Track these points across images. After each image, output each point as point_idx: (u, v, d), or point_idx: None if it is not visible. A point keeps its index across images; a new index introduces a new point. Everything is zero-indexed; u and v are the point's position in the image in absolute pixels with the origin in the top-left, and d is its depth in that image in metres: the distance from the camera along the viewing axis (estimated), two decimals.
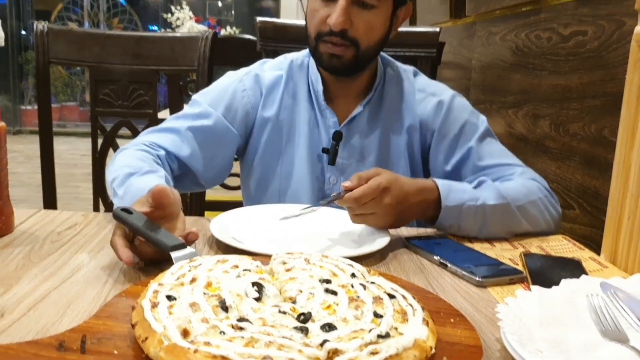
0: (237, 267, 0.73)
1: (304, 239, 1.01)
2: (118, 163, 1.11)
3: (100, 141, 1.71)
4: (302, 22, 1.42)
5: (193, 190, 1.59)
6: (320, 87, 1.25)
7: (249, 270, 0.72)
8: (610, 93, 1.43)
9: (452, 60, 2.77)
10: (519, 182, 1.16)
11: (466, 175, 1.23)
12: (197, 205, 1.74)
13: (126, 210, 0.85)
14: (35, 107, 7.60)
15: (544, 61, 1.81)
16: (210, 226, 0.98)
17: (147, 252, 0.84)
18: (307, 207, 1.16)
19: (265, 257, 0.81)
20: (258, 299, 0.65)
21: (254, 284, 0.67)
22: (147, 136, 1.22)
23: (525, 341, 0.62)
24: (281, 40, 1.63)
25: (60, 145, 1.59)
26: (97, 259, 0.87)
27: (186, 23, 6.11)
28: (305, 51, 1.31)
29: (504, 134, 2.09)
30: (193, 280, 0.68)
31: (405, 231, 1.11)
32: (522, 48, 1.99)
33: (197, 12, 7.39)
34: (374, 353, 0.54)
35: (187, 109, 1.27)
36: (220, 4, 9.05)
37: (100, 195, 1.73)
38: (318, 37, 1.18)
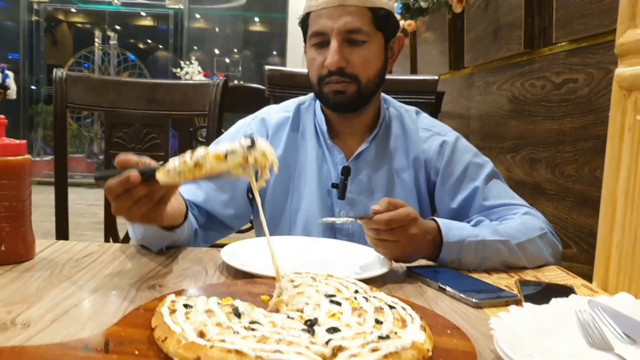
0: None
1: (310, 266, 1.06)
2: None
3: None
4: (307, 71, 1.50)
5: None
6: (324, 127, 1.32)
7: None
8: (601, 135, 1.50)
9: (451, 109, 2.87)
10: (519, 220, 1.21)
11: (472, 214, 1.28)
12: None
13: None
14: (44, 158, 7.77)
15: (538, 107, 1.90)
16: (221, 253, 1.03)
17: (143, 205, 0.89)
18: (341, 219, 1.19)
19: (273, 280, 0.87)
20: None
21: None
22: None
23: (516, 348, 0.66)
24: (288, 87, 1.72)
25: (68, 195, 1.68)
26: (114, 281, 0.93)
27: (195, 77, 6.29)
28: (312, 94, 1.39)
29: (504, 178, 2.15)
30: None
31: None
32: (517, 96, 2.08)
33: (204, 67, 7.61)
34: (375, 350, 0.59)
35: None
36: (227, 60, 9.32)
37: (112, 234, 1.79)
38: (320, 81, 1.26)
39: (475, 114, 2.55)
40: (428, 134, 1.35)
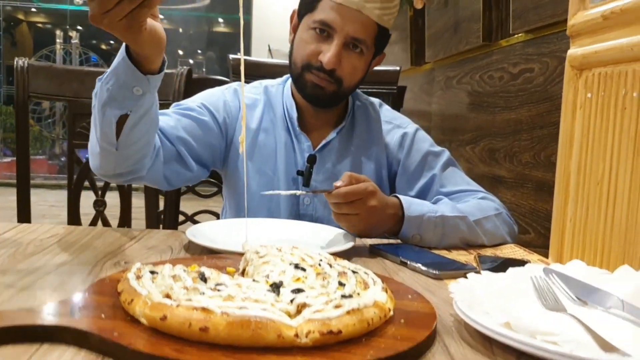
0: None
1: (275, 243, 1.08)
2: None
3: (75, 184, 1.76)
4: (272, 60, 1.52)
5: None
6: (294, 114, 1.33)
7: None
8: (556, 122, 1.55)
9: (413, 106, 2.92)
10: (475, 202, 1.26)
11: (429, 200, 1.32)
12: (171, 216, 1.77)
13: None
14: (4, 159, 7.58)
15: (496, 99, 1.95)
16: (187, 233, 1.04)
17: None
18: (291, 192, 1.22)
19: (238, 256, 0.88)
20: None
21: None
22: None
23: (474, 305, 0.69)
24: (253, 76, 1.73)
25: (30, 197, 1.66)
26: (80, 258, 0.93)
27: None
28: (280, 79, 1.40)
29: (464, 169, 2.20)
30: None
31: (369, 241, 1.19)
32: (477, 89, 2.13)
33: (168, 68, 7.54)
34: (337, 306, 0.61)
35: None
36: (191, 61, 9.27)
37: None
38: (306, 67, 1.26)
39: (436, 109, 2.60)
40: (390, 126, 1.39)
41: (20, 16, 8.95)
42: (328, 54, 1.21)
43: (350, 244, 1.04)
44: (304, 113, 1.34)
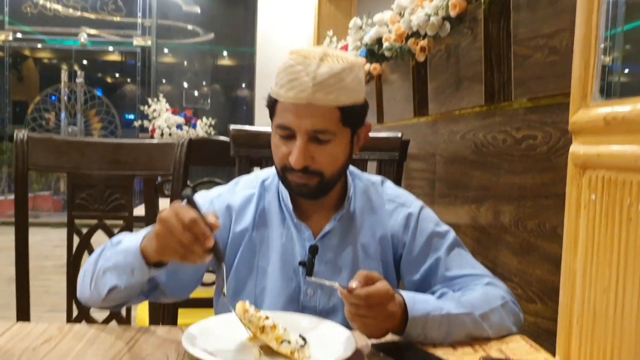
0: None
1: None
2: (102, 265, 1.18)
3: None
4: None
5: (161, 302, 1.56)
6: (290, 205, 1.30)
7: None
8: (560, 194, 1.52)
9: (417, 153, 2.91)
10: (481, 291, 1.22)
11: (434, 285, 1.28)
12: (171, 312, 1.75)
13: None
14: (9, 197, 7.60)
15: (501, 160, 1.93)
16: (183, 338, 1.02)
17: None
18: (329, 282, 1.17)
19: None
20: None
21: None
22: (117, 238, 1.25)
23: None
24: (254, 146, 1.72)
25: (33, 236, 1.64)
26: None
27: (163, 115, 6.25)
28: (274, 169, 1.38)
29: (469, 227, 2.18)
30: None
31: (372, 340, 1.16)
32: (480, 147, 2.12)
33: (173, 101, 7.58)
34: None
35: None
36: (196, 93, 9.33)
37: (74, 297, 1.75)
38: (283, 169, 1.25)
39: (440, 160, 2.59)
40: (393, 205, 1.35)
41: (27, 53, 9.06)
42: (294, 155, 1.19)
43: (353, 347, 1.02)
44: (300, 202, 1.32)
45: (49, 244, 5.82)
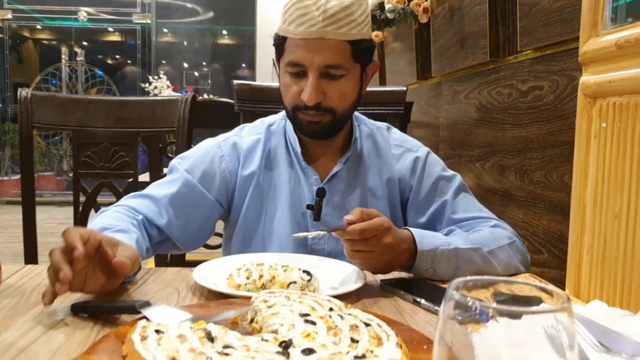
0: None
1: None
2: (95, 221, 1.15)
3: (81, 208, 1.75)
4: (277, 84, 1.49)
5: (173, 253, 1.62)
6: (298, 149, 1.30)
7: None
8: (567, 142, 1.53)
9: (420, 119, 2.89)
10: (488, 230, 1.23)
11: (440, 228, 1.28)
12: (177, 265, 1.76)
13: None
14: (12, 177, 7.62)
15: (506, 115, 1.92)
16: (193, 273, 1.02)
17: (99, 278, 0.89)
18: (313, 233, 1.17)
19: (247, 300, 0.86)
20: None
21: None
22: (128, 201, 1.25)
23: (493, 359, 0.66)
24: (258, 101, 1.71)
25: (38, 214, 1.64)
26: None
27: (164, 92, 6.23)
28: (281, 114, 1.37)
29: (473, 186, 2.18)
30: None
31: (380, 275, 1.16)
32: (485, 104, 2.10)
33: (174, 81, 7.56)
34: None
35: (166, 176, 1.31)
36: (196, 73, 9.27)
37: None
38: (295, 109, 1.23)
39: (444, 122, 2.57)
40: (400, 150, 1.35)
41: (26, 34, 9.00)
42: (306, 92, 1.18)
43: (361, 283, 1.02)
44: (308, 145, 1.31)
45: (53, 221, 5.83)
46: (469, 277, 0.49)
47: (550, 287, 0.49)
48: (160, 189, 1.27)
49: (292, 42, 1.19)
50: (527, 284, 0.50)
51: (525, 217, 1.77)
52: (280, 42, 1.23)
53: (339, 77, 1.20)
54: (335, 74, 1.19)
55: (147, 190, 1.28)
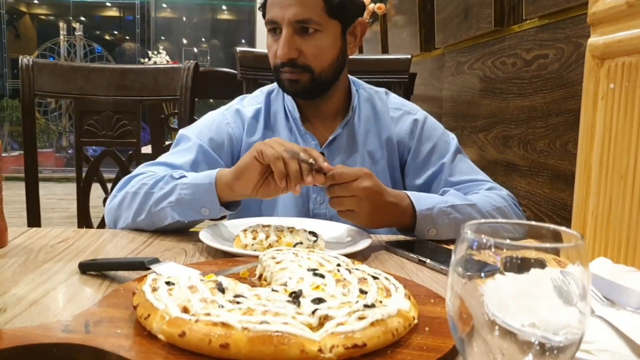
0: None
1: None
2: (132, 184, 1.16)
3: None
4: None
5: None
6: (297, 114, 1.31)
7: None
8: (572, 109, 1.52)
9: (423, 92, 2.88)
10: (483, 193, 1.24)
11: (437, 190, 1.30)
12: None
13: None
14: (12, 153, 7.60)
15: (509, 85, 1.91)
16: (200, 235, 1.02)
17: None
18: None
19: (254, 259, 0.86)
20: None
21: None
22: (144, 168, 1.24)
23: (501, 309, 0.67)
24: (260, 68, 1.70)
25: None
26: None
27: None
28: None
29: (476, 157, 2.18)
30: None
31: (385, 238, 1.17)
32: (489, 75, 2.09)
33: (173, 57, 7.51)
34: (361, 318, 0.59)
35: (176, 145, 1.31)
36: (195, 49, 9.21)
37: (84, 223, 1.76)
38: (275, 69, 1.25)
39: (447, 95, 2.56)
40: (399, 113, 1.36)
41: (23, 8, 8.92)
42: (279, 48, 1.20)
43: (366, 244, 1.02)
44: (306, 110, 1.32)
45: (53, 197, 5.84)
46: (482, 220, 0.49)
47: (563, 228, 0.49)
48: (177, 157, 1.26)
49: (270, 2, 1.22)
50: (541, 226, 0.49)
51: (528, 186, 1.77)
52: (263, 4, 1.26)
53: (314, 33, 1.21)
54: (308, 28, 1.20)
55: (162, 158, 1.27)
